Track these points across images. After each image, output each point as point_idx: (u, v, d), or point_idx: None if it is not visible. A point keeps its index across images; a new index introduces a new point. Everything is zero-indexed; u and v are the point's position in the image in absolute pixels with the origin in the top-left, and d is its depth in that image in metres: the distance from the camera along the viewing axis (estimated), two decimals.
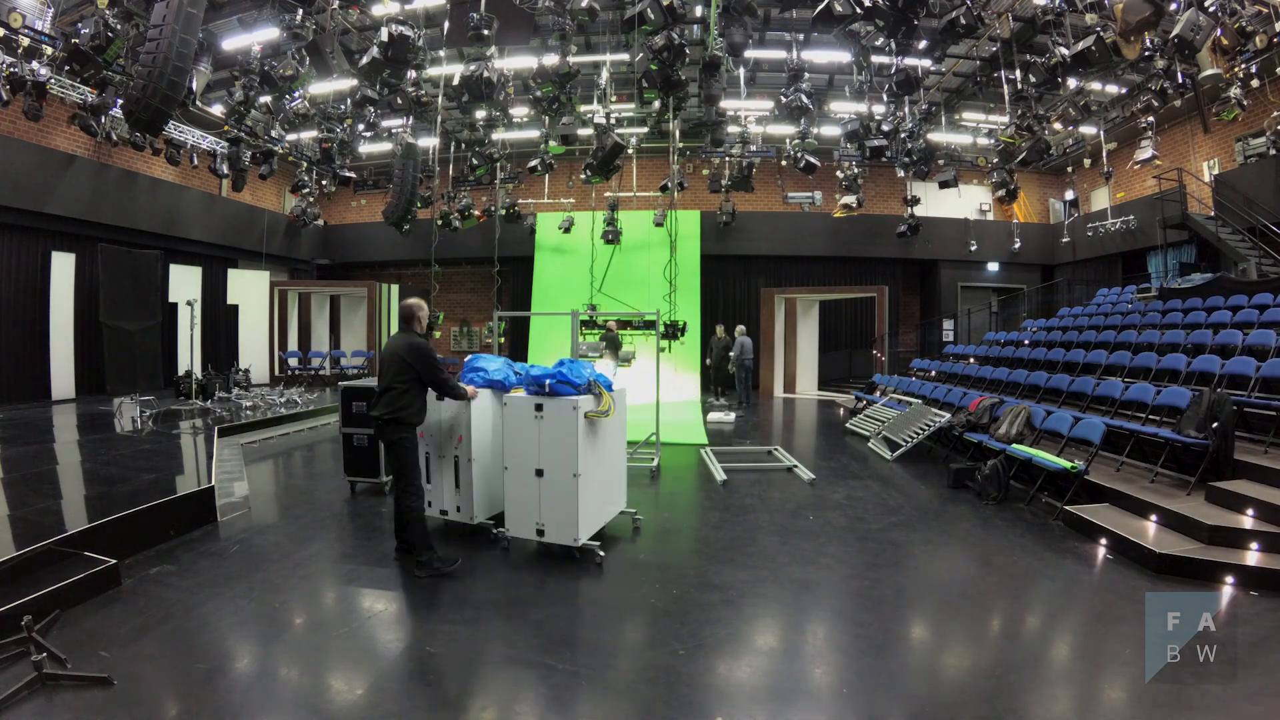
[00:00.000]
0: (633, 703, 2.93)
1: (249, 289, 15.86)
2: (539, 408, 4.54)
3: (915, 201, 15.76)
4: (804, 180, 16.27)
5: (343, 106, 13.14)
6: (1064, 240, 16.97)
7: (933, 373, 11.67)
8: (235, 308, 15.58)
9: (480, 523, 5.10)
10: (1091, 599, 4.17)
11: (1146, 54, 9.50)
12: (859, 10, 8.15)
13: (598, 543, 4.65)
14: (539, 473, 4.55)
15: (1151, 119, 11.88)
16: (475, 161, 14.90)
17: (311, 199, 16.10)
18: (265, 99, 11.15)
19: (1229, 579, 4.15)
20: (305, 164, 15.44)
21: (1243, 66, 10.41)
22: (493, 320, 18.38)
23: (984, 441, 6.91)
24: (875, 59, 11.06)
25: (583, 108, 13.05)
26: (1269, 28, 9.02)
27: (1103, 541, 4.92)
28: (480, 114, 13.67)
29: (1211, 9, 8.11)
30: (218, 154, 13.94)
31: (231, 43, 10.85)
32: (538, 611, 3.92)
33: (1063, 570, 4.53)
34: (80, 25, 8.56)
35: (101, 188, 12.59)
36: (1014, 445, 6.50)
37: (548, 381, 4.61)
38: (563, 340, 16.18)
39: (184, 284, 14.03)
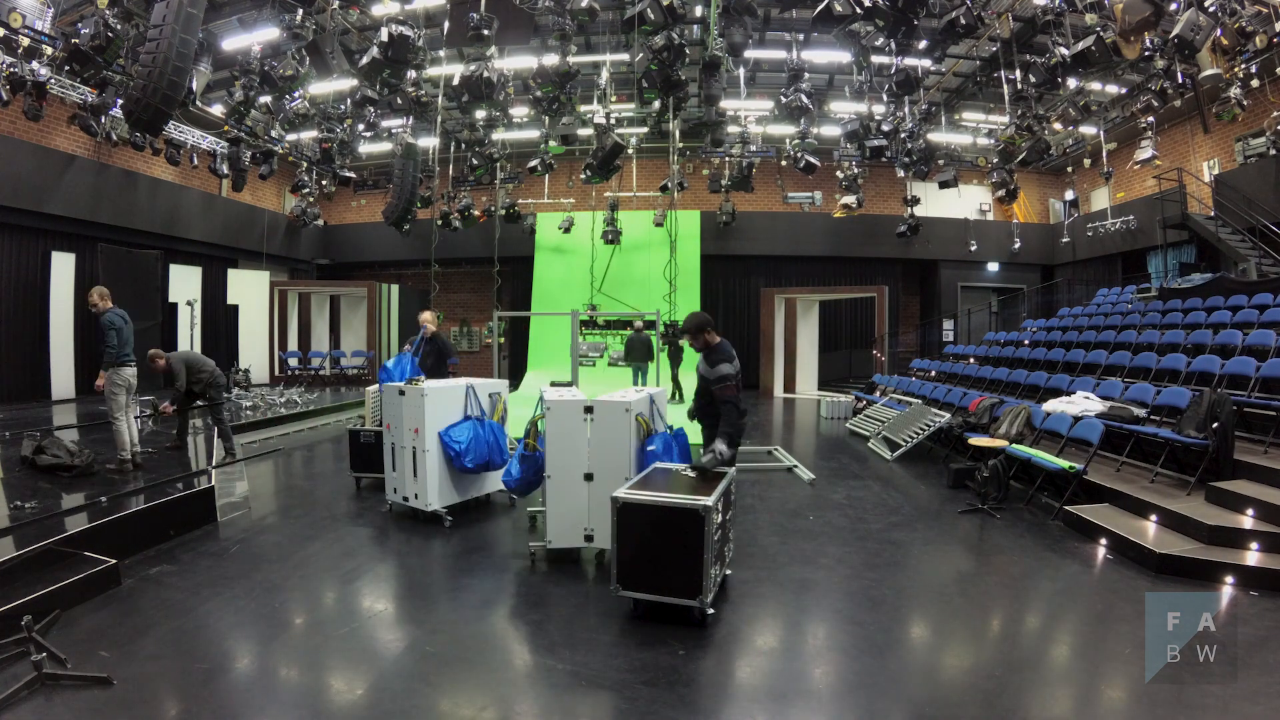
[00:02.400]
0: (632, 702, 2.93)
1: (249, 289, 15.86)
2: (589, 410, 4.49)
3: (915, 201, 15.77)
4: (804, 180, 16.27)
5: (343, 106, 13.13)
6: (1064, 240, 16.97)
7: (933, 373, 11.66)
8: (235, 308, 15.58)
9: (434, 510, 5.32)
10: (1091, 599, 4.17)
11: (1146, 54, 9.50)
12: (859, 10, 8.15)
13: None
14: (588, 477, 4.48)
15: (1151, 119, 11.88)
16: (475, 162, 14.90)
17: (311, 199, 16.10)
18: (265, 99, 11.15)
19: (1229, 579, 4.15)
20: (305, 164, 15.44)
21: (1243, 66, 10.40)
22: (493, 321, 18.42)
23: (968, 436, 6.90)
24: (875, 59, 11.05)
25: (583, 108, 13.06)
26: (1269, 28, 9.02)
27: (1102, 541, 4.92)
28: (480, 114, 13.66)
29: (1211, 9, 8.11)
30: (218, 154, 13.94)
31: (231, 43, 10.85)
32: (537, 612, 3.93)
33: (1062, 570, 4.53)
34: (80, 25, 8.56)
35: (101, 188, 12.58)
36: (1013, 445, 6.49)
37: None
38: (563, 341, 16.17)
39: (184, 284, 14.03)
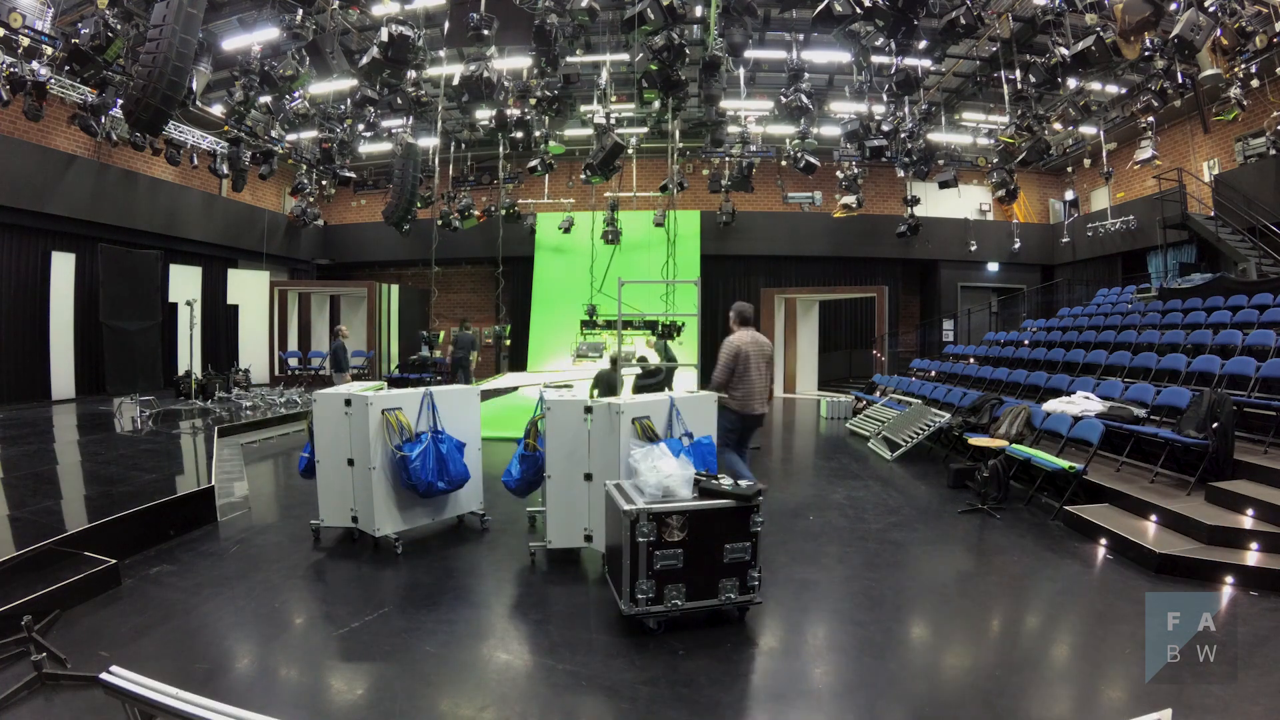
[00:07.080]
0: (632, 702, 2.93)
1: (249, 289, 15.86)
2: (589, 410, 4.46)
3: (915, 201, 15.77)
4: (804, 180, 16.27)
5: (343, 106, 13.14)
6: (1064, 240, 16.97)
7: (932, 373, 11.66)
8: (235, 308, 15.58)
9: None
10: (1091, 599, 4.16)
11: (1146, 54, 9.51)
12: (859, 10, 8.15)
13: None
14: (588, 477, 4.47)
15: (1151, 119, 11.88)
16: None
17: (311, 199, 16.10)
18: (265, 99, 11.15)
19: (1229, 579, 4.14)
20: (305, 164, 15.43)
21: (1243, 66, 10.41)
22: (496, 325, 18.43)
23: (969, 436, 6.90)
24: (875, 59, 11.07)
25: (583, 108, 13.05)
26: (1269, 28, 9.02)
27: (1102, 541, 4.91)
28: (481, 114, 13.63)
29: (1211, 9, 8.11)
30: (218, 154, 13.95)
31: (231, 43, 10.86)
32: (537, 612, 3.93)
33: (1062, 570, 4.53)
34: (80, 25, 8.57)
35: (101, 188, 12.59)
36: (1013, 445, 6.49)
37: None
38: (563, 341, 16.17)
39: (184, 284, 14.03)
